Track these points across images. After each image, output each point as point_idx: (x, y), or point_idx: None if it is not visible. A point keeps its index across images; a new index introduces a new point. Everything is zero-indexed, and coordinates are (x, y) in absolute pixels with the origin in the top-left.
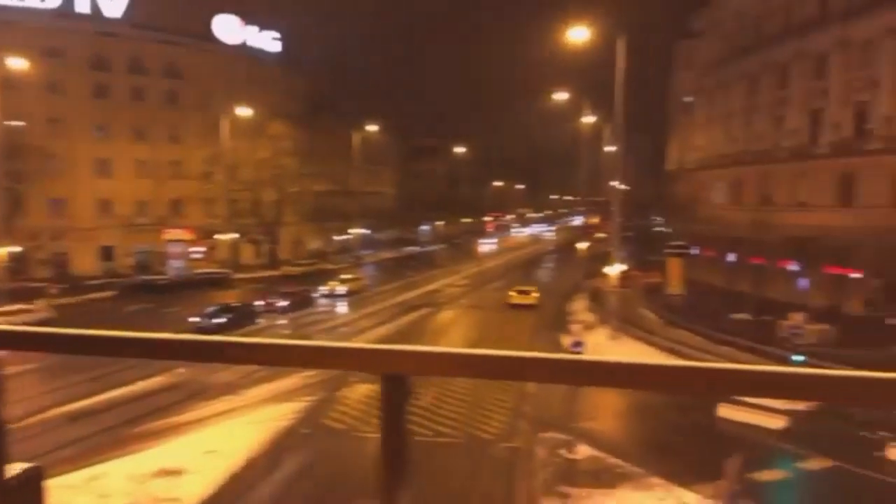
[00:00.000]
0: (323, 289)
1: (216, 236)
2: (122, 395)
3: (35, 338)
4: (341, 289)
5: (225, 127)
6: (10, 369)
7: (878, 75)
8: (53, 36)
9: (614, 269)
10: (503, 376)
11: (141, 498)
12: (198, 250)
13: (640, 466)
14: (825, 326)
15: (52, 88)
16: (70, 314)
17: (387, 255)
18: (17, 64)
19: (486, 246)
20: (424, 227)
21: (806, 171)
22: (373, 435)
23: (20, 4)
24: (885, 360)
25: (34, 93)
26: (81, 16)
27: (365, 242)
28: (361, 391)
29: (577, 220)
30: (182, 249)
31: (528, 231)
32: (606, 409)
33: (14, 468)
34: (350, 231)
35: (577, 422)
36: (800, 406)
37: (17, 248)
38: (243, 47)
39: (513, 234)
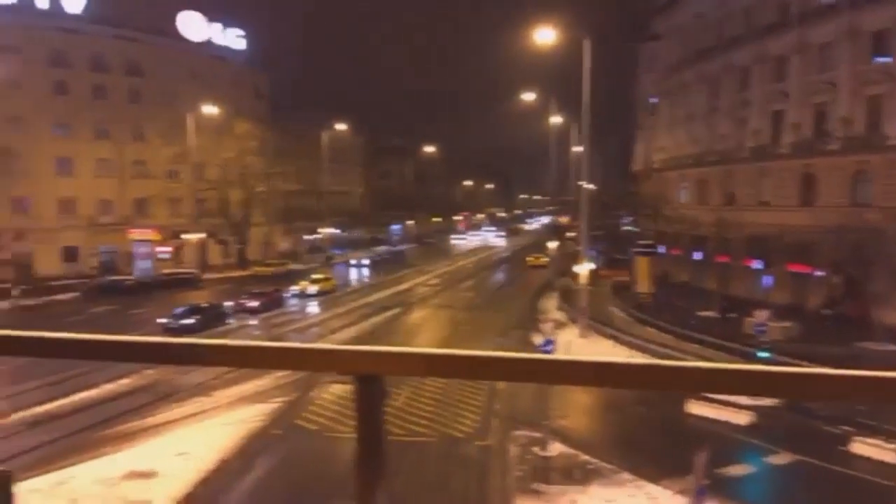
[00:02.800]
0: (294, 289)
1: (183, 236)
2: (91, 397)
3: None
4: (312, 289)
5: (190, 125)
6: None
7: (835, 78)
8: (12, 32)
9: (583, 268)
10: (473, 376)
11: (111, 501)
12: (164, 250)
13: (610, 463)
14: (789, 323)
15: (11, 86)
16: (33, 316)
17: (357, 254)
18: None
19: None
20: (395, 227)
21: (768, 171)
22: (346, 435)
23: None
24: (846, 357)
25: None
26: (41, 12)
27: (335, 242)
28: (334, 391)
29: (546, 220)
30: (148, 250)
31: (470, 239)
32: (578, 406)
33: None
34: (320, 231)
35: (550, 419)
36: (765, 402)
37: None
38: (208, 45)
39: (452, 243)
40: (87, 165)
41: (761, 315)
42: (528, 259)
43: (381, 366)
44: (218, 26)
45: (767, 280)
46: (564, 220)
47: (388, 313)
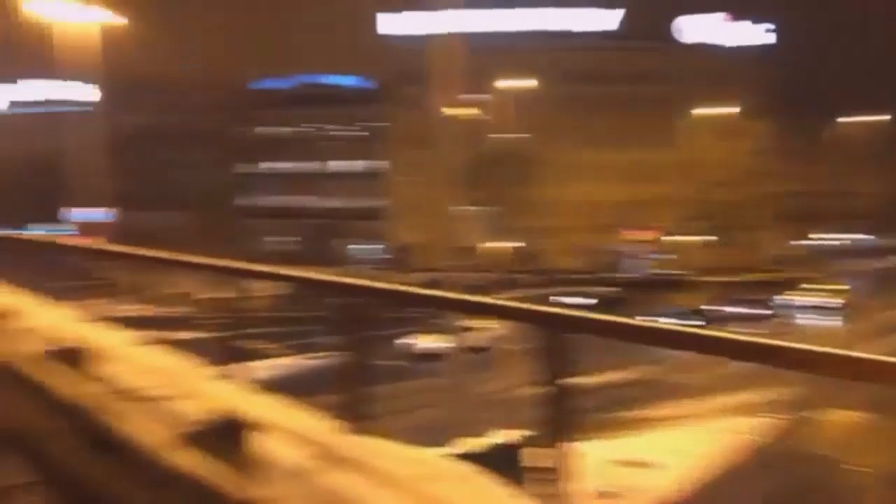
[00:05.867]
0: (791, 299)
1: (673, 238)
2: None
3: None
4: (831, 301)
5: (690, 128)
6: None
7: None
8: (533, 55)
9: None
10: None
11: (610, 481)
12: (655, 251)
13: None
14: None
15: (537, 102)
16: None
17: (873, 265)
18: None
19: None
20: None
21: None
22: (859, 469)
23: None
24: None
25: (526, 108)
26: (555, 34)
27: (833, 250)
28: (847, 417)
29: None
30: (641, 250)
31: None
32: None
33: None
34: (810, 236)
35: None
36: None
37: (521, 244)
38: (706, 45)
39: None
40: (593, 171)
41: None
42: None
43: None
44: (746, 24)
45: None
46: None
47: None
